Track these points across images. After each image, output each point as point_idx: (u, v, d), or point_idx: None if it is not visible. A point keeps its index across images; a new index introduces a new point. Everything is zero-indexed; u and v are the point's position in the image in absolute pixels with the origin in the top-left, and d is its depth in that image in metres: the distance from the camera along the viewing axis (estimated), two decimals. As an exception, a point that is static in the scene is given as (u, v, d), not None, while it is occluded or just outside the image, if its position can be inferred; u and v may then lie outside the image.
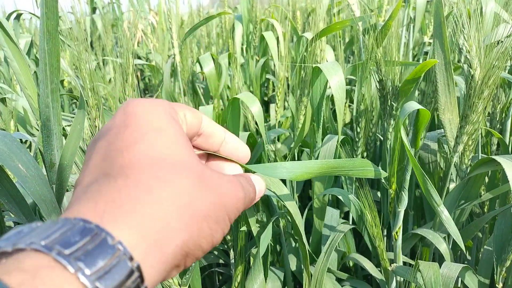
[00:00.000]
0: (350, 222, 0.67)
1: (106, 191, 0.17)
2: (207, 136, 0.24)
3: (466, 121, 0.50)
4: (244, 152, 0.26)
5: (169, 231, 0.17)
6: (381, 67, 0.55)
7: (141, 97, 1.35)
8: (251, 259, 0.59)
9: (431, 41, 0.91)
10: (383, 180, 0.47)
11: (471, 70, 0.53)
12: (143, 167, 0.18)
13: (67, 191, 0.62)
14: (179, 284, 0.45)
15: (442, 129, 0.59)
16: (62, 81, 1.14)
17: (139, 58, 1.49)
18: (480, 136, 0.80)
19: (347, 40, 1.17)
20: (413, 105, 0.45)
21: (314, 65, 0.58)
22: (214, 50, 1.64)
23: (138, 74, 1.52)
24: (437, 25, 0.54)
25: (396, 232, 0.52)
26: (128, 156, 0.18)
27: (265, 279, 0.58)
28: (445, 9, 0.78)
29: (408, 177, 0.51)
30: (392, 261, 0.59)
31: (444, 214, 0.47)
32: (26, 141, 0.85)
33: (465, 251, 0.48)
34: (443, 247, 0.55)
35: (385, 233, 0.69)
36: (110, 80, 1.28)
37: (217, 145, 0.25)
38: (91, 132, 0.53)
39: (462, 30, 0.54)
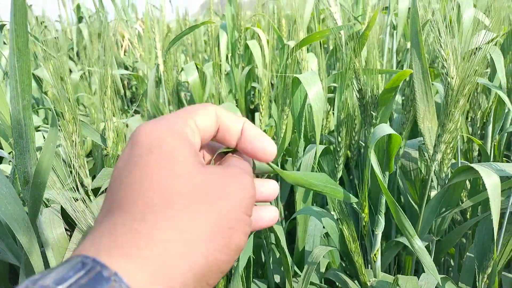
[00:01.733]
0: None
1: (103, 225, 0.17)
2: (224, 130, 0.23)
3: (443, 129, 0.50)
4: (267, 141, 0.23)
5: (172, 254, 0.16)
6: (359, 77, 0.55)
7: (124, 107, 1.33)
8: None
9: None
10: (354, 205, 0.47)
11: (448, 78, 0.53)
12: (136, 198, 0.18)
13: (47, 206, 0.61)
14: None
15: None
16: (46, 92, 1.13)
17: (126, 67, 1.48)
18: (462, 142, 0.81)
19: (332, 47, 1.18)
20: (385, 129, 0.45)
21: (293, 76, 0.58)
22: (202, 58, 1.64)
23: (125, 82, 1.51)
24: (414, 34, 0.54)
25: (375, 254, 0.52)
26: (124, 190, 0.18)
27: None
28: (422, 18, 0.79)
29: (384, 201, 0.51)
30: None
31: (418, 244, 0.47)
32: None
33: (439, 282, 0.48)
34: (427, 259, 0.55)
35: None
36: (95, 91, 1.28)
37: (235, 137, 0.23)
38: (69, 148, 0.52)
39: (439, 38, 0.54)
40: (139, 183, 0.18)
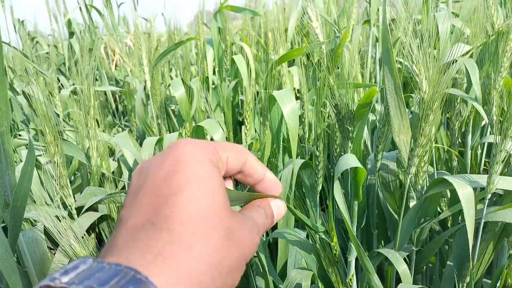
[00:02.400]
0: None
1: (153, 244, 0.19)
2: (247, 175, 0.27)
3: (415, 144, 0.52)
4: (277, 190, 0.28)
5: (201, 287, 0.20)
6: (335, 92, 0.56)
7: (115, 121, 1.34)
8: None
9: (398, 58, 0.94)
10: (322, 235, 0.48)
11: (421, 93, 0.55)
12: (185, 222, 0.20)
13: (33, 225, 0.62)
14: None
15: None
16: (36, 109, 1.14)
17: (117, 81, 1.50)
18: (443, 151, 0.82)
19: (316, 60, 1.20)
20: (349, 162, 0.46)
21: (269, 93, 0.59)
22: (193, 71, 1.65)
23: (117, 96, 1.52)
24: (385, 51, 0.55)
25: (350, 279, 0.53)
26: (173, 207, 0.20)
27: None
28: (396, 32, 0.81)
29: (354, 228, 0.52)
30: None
31: (375, 281, 0.49)
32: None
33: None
34: (402, 268, 0.56)
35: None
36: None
37: (254, 183, 0.27)
38: (51, 170, 0.53)
39: (410, 54, 0.56)
40: (188, 211, 0.20)
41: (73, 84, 1.41)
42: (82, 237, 0.52)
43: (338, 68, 0.77)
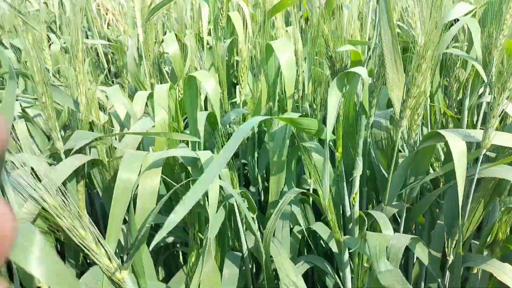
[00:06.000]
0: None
1: None
2: None
3: (408, 95, 0.51)
4: None
5: None
6: (329, 43, 0.55)
7: (108, 81, 1.31)
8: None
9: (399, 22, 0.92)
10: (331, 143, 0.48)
11: (416, 45, 0.53)
12: None
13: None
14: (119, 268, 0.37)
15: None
16: (26, 62, 1.12)
17: (109, 40, 1.46)
18: (440, 114, 0.81)
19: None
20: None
21: (266, 42, 0.57)
22: (189, 34, 1.61)
23: (109, 57, 1.49)
24: (382, 1, 0.53)
25: (354, 198, 0.53)
26: None
27: (222, 264, 0.58)
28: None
29: (361, 142, 0.51)
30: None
31: None
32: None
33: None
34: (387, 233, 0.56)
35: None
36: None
37: None
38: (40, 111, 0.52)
39: (407, 8, 0.54)
40: None
41: (64, 43, 1.38)
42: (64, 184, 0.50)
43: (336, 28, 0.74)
